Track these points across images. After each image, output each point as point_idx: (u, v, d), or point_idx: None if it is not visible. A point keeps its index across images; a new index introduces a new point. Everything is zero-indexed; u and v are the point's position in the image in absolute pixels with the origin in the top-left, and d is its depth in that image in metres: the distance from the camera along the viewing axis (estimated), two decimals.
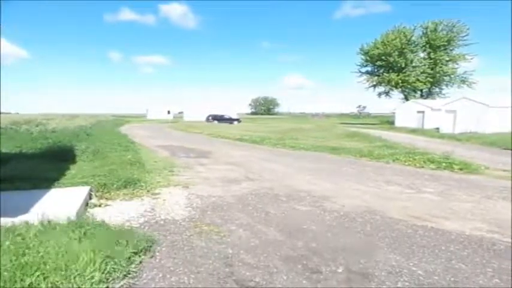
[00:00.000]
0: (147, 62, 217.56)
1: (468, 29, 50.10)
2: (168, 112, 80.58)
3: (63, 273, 3.33)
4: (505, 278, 3.69)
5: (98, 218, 5.16)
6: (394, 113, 43.84)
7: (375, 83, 55.77)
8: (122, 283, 3.47)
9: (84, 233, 4.35)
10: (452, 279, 3.68)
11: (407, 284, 3.58)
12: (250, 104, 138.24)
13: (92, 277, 3.36)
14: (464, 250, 4.49)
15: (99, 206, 6.27)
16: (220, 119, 54.68)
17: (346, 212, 6.17)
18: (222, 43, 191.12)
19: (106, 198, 6.73)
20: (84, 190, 6.53)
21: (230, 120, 53.57)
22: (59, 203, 5.62)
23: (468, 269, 3.94)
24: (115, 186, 7.30)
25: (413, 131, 31.40)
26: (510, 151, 16.32)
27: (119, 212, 6.00)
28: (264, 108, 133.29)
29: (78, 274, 3.35)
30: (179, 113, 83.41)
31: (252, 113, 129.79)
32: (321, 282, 3.62)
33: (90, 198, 6.50)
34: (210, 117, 56.73)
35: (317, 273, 3.81)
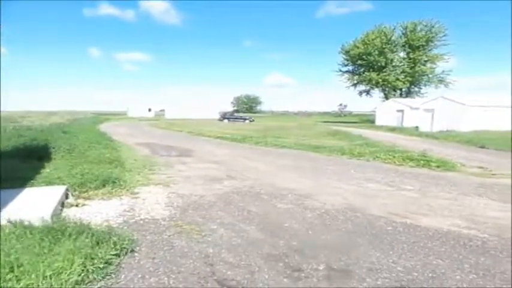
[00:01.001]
0: (128, 59, 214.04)
1: (446, 29, 51.53)
2: (149, 110, 79.45)
3: (38, 274, 3.21)
4: (481, 274, 3.78)
5: (75, 218, 5.00)
6: (374, 111, 44.64)
7: (355, 81, 56.66)
8: (99, 285, 3.37)
9: (62, 234, 4.21)
10: (430, 275, 3.74)
11: (387, 280, 3.62)
12: (232, 102, 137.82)
13: (69, 279, 3.26)
14: (442, 246, 4.58)
15: (76, 205, 6.08)
16: (230, 117, 53.23)
17: (328, 210, 6.21)
18: (204, 41, 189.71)
19: (83, 198, 6.55)
20: (60, 189, 6.33)
21: (241, 119, 52.21)
22: (33, 203, 5.42)
23: (446, 264, 4.02)
24: (93, 185, 7.10)
25: (393, 129, 32.02)
26: (484, 149, 16.84)
27: (97, 211, 5.85)
28: (247, 106, 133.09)
29: (55, 276, 3.23)
30: (160, 110, 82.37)
31: (234, 111, 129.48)
32: (302, 280, 3.61)
33: (67, 198, 6.31)
34: (222, 116, 55.65)
35: (298, 271, 3.80)
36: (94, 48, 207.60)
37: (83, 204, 6.19)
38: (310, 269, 3.86)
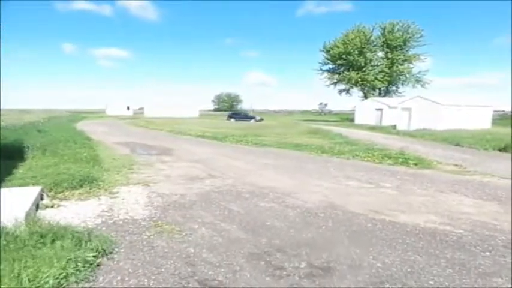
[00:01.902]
0: (104, 55, 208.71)
1: (422, 30, 52.80)
2: (128, 108, 78.04)
3: (13, 278, 3.09)
4: (457, 268, 3.89)
5: (50, 220, 4.85)
6: (354, 110, 45.28)
7: (335, 80, 57.28)
8: None
9: (41, 236, 4.07)
10: (409, 270, 3.83)
11: (367, 276, 3.67)
12: (213, 101, 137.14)
13: (46, 282, 3.15)
14: (420, 242, 4.69)
15: (52, 207, 5.91)
16: (237, 117, 52.17)
17: (309, 208, 6.25)
18: (184, 38, 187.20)
19: (59, 199, 6.36)
20: (34, 190, 6.11)
21: (249, 118, 50.71)
22: (5, 204, 5.21)
23: (423, 260, 4.11)
24: (69, 185, 6.92)
25: (372, 128, 32.57)
26: (459, 147, 17.37)
27: (74, 212, 5.69)
28: (227, 105, 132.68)
29: (30, 279, 3.12)
30: (139, 109, 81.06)
31: (215, 110, 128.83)
32: (284, 278, 3.62)
33: (42, 199, 6.11)
34: (230, 115, 54.75)
35: (280, 270, 3.81)
36: (68, 43, 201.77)
37: (59, 205, 6.02)
38: (292, 267, 3.88)
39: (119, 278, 3.55)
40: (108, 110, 75.96)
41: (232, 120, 49.86)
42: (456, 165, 11.47)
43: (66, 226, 4.56)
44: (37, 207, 5.69)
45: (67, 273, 3.35)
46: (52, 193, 6.52)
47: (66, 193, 6.64)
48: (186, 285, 3.44)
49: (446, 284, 3.53)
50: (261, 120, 49.27)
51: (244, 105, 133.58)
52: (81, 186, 7.03)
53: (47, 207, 5.85)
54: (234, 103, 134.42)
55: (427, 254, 4.29)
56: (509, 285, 3.50)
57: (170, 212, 5.87)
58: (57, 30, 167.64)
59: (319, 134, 23.51)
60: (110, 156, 12.04)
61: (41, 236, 4.05)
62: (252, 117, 51.61)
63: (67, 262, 3.49)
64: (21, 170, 8.26)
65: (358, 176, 9.38)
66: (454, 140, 19.09)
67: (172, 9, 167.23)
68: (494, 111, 34.54)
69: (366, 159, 12.34)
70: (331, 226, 5.31)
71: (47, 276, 3.21)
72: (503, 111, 58.19)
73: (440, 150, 16.20)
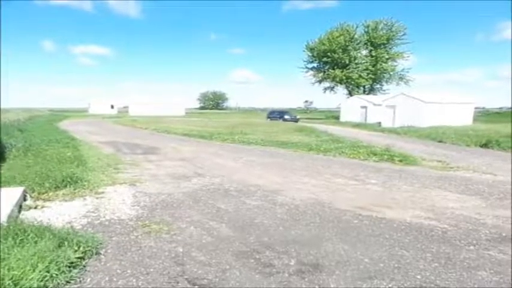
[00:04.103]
0: (85, 53, 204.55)
1: (405, 28, 53.54)
2: (112, 107, 76.85)
3: None
4: (443, 262, 3.97)
5: (35, 221, 4.73)
6: (339, 108, 45.64)
7: (320, 78, 57.63)
8: None
9: (22, 239, 3.96)
10: (396, 265, 3.89)
11: (355, 272, 3.71)
12: (198, 99, 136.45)
13: (30, 285, 3.07)
14: (406, 237, 4.77)
15: (36, 207, 5.77)
16: (272, 116, 45.42)
17: (296, 205, 6.28)
18: (168, 35, 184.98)
19: (43, 199, 6.22)
20: (17, 191, 5.96)
21: (282, 118, 43.43)
22: None
23: (410, 255, 4.19)
24: (53, 185, 6.77)
25: (357, 125, 32.96)
26: (442, 143, 17.73)
27: (59, 213, 5.58)
28: (213, 103, 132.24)
29: (14, 283, 3.04)
30: (124, 107, 79.89)
31: (201, 108, 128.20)
32: (274, 275, 3.63)
33: (25, 200, 5.96)
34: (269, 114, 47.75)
35: (270, 267, 3.82)
36: (48, 40, 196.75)
37: (43, 206, 5.88)
38: (282, 264, 3.89)
39: (107, 278, 3.50)
40: (92, 108, 74.67)
41: (269, 120, 42.89)
42: (440, 161, 11.70)
43: (49, 227, 4.46)
44: (20, 208, 5.55)
45: (53, 275, 3.28)
46: (35, 194, 6.37)
47: (50, 194, 6.49)
48: (175, 285, 3.41)
49: (433, 278, 3.60)
50: (297, 120, 43.26)
51: (230, 103, 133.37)
52: (65, 186, 6.89)
53: (30, 208, 5.71)
54: (220, 101, 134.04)
55: (414, 249, 4.36)
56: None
57: (158, 212, 5.81)
58: (36, 27, 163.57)
59: (305, 132, 23.62)
60: (95, 155, 11.83)
61: (24, 237, 3.95)
62: (285, 114, 45.51)
63: (50, 263, 3.41)
64: (2, 170, 8.04)
65: (345, 173, 9.47)
66: (437, 136, 19.48)
67: (154, 5, 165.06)
68: (475, 108, 35.32)
69: (352, 156, 12.47)
70: (319, 223, 5.35)
71: (31, 278, 3.14)
72: (483, 107, 59.71)
73: (424, 146, 16.50)
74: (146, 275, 3.59)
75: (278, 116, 45.09)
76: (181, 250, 4.25)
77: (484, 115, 47.74)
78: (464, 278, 3.61)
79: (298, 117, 46.39)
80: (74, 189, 6.83)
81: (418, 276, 3.62)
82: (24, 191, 6.16)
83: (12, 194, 5.76)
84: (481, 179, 8.80)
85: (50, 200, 6.22)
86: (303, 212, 5.88)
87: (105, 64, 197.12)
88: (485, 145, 16.14)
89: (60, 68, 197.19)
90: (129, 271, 3.67)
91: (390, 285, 3.43)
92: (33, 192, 6.39)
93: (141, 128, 28.72)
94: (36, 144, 12.41)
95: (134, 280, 3.49)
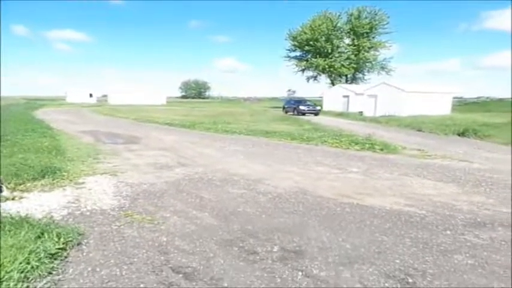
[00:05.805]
0: (60, 38, 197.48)
1: (388, 17, 53.83)
2: (91, 95, 74.77)
3: None
4: (421, 246, 4.11)
5: (12, 213, 4.62)
6: (322, 97, 45.94)
7: (303, 67, 57.56)
8: (44, 281, 3.16)
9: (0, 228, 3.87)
10: (376, 250, 4.00)
11: (337, 257, 3.80)
12: (180, 88, 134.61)
13: (10, 277, 3.02)
14: (386, 223, 4.90)
15: (13, 199, 5.61)
16: (288, 107, 37.30)
17: (279, 194, 6.34)
18: (147, 20, 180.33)
19: (21, 190, 6.05)
20: None
21: (296, 109, 34.53)
22: None
23: (389, 240, 4.31)
24: (30, 176, 6.60)
25: (339, 114, 33.27)
26: (421, 132, 18.15)
27: (38, 204, 5.44)
28: (195, 92, 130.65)
29: None
30: (103, 96, 78.07)
31: (183, 97, 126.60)
32: (258, 262, 3.68)
33: (1, 191, 5.79)
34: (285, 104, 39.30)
35: (253, 254, 3.86)
36: (19, 25, 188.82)
37: (21, 197, 5.73)
38: (265, 252, 3.94)
39: (89, 269, 3.46)
40: (69, 97, 72.38)
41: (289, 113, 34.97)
42: (419, 149, 11.99)
43: (28, 218, 4.37)
44: None
45: (33, 266, 3.23)
46: (12, 185, 6.19)
47: (28, 184, 6.32)
48: (159, 274, 3.41)
49: (411, 262, 3.72)
50: (318, 113, 33.94)
51: (213, 93, 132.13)
52: (43, 177, 6.72)
53: (7, 199, 5.55)
54: (202, 90, 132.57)
55: (393, 235, 4.49)
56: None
57: (140, 202, 5.75)
58: (5, 11, 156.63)
59: (288, 121, 23.74)
60: (74, 145, 11.56)
61: (1, 229, 3.86)
62: (304, 104, 35.47)
63: (29, 254, 3.35)
64: None
65: (327, 161, 9.59)
66: (417, 125, 19.93)
67: None
68: (454, 97, 36.17)
69: (334, 145, 12.62)
70: (302, 211, 5.42)
71: (11, 270, 3.08)
72: (461, 97, 61.21)
73: (404, 135, 16.86)
74: (130, 265, 3.57)
75: (293, 106, 35.74)
76: (164, 239, 4.24)
77: (462, 104, 48.96)
78: (441, 261, 3.75)
79: (318, 108, 35.27)
80: (53, 180, 6.68)
81: (397, 261, 3.73)
82: (0, 182, 5.97)
83: None
84: (457, 167, 9.08)
85: (27, 191, 6.06)
86: (286, 200, 5.94)
87: (82, 50, 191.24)
88: (462, 134, 16.65)
89: (34, 54, 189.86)
90: (112, 261, 3.64)
91: (371, 270, 3.53)
92: (9, 183, 6.21)
93: (121, 117, 28.15)
94: (12, 134, 12.03)
95: (118, 270, 3.46)
